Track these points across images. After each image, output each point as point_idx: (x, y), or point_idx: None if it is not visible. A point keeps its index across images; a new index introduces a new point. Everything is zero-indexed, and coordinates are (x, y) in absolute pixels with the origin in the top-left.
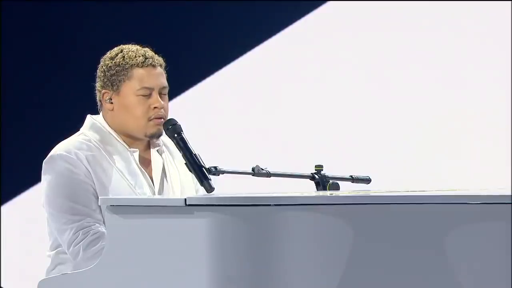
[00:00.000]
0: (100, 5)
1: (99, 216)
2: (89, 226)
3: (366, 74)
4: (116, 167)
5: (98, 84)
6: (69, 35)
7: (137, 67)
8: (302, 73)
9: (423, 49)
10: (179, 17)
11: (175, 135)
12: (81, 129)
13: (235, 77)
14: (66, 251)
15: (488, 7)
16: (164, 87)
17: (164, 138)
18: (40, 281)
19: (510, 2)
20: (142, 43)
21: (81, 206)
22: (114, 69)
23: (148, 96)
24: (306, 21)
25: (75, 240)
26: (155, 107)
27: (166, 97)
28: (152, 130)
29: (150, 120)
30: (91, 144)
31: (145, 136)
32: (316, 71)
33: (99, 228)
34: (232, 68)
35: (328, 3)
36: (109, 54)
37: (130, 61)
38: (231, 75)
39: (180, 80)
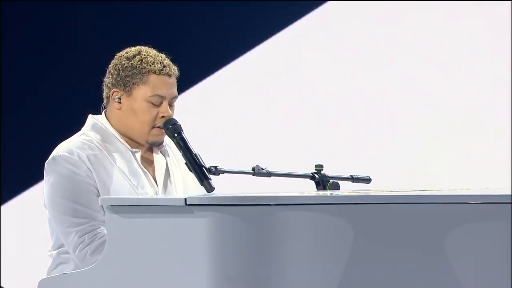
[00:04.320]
0: (101, 5)
1: (103, 217)
2: (95, 230)
3: (366, 74)
4: (118, 167)
5: (108, 80)
6: (70, 34)
7: (153, 74)
8: (302, 73)
9: (423, 49)
10: (179, 17)
11: (175, 134)
12: (83, 129)
13: (235, 77)
14: (72, 254)
15: (488, 7)
16: (174, 97)
17: (168, 139)
18: (40, 281)
19: (510, 2)
20: (142, 43)
21: (84, 208)
22: (130, 70)
23: (158, 104)
24: (306, 21)
25: (81, 244)
26: (163, 116)
27: (173, 107)
28: (153, 138)
29: (155, 127)
30: (92, 144)
31: (146, 142)
32: (316, 71)
33: (105, 231)
34: (232, 68)
35: (328, 3)
36: (125, 53)
37: (148, 66)
38: (231, 75)
39: (180, 80)
